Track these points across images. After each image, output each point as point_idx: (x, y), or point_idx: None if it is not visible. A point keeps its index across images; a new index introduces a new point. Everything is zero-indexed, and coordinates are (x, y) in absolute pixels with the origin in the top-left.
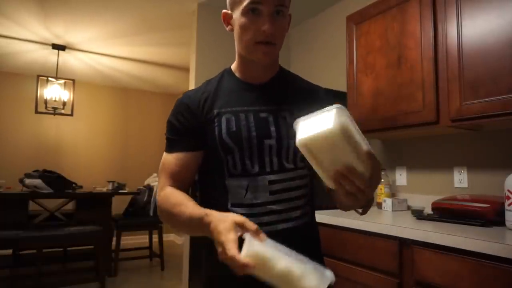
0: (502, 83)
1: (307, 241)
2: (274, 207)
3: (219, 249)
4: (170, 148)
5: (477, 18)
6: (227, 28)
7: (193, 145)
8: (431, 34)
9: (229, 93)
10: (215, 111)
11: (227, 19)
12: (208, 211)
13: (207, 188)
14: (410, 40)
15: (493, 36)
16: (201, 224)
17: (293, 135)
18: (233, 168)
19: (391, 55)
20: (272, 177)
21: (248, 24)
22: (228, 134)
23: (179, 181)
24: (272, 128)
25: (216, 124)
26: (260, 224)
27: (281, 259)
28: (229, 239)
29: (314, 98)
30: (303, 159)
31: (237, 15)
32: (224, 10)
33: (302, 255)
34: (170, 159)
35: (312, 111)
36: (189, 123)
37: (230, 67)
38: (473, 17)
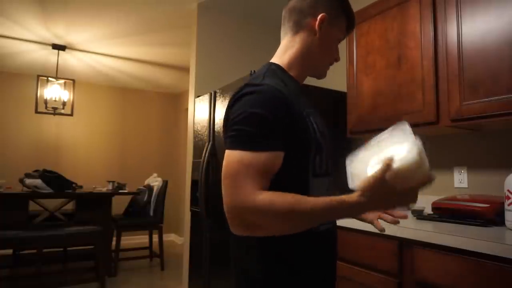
0: (502, 83)
1: None
2: None
3: (395, 182)
4: (262, 146)
5: (477, 18)
6: (317, 27)
7: (285, 143)
8: (431, 34)
9: (297, 92)
10: (304, 110)
11: (325, 22)
12: (340, 196)
13: (280, 189)
14: (410, 40)
15: (493, 36)
16: (346, 202)
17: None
18: (319, 167)
19: (391, 55)
20: (332, 176)
21: (335, 49)
22: (320, 134)
23: (269, 182)
24: (327, 132)
25: (309, 123)
26: (329, 222)
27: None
28: (391, 174)
29: None
30: None
31: (331, 33)
32: (324, 14)
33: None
34: (263, 158)
35: None
36: (285, 119)
37: (277, 63)
38: (473, 17)
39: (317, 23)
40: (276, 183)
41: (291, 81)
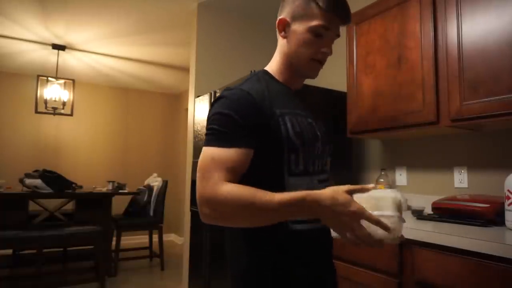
0: (502, 83)
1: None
2: None
3: (353, 216)
4: (227, 143)
5: (477, 18)
6: (280, 34)
7: (253, 142)
8: (431, 34)
9: (279, 95)
10: (278, 111)
11: (284, 26)
12: (306, 191)
13: (257, 186)
14: (410, 40)
15: (493, 36)
16: (304, 203)
17: (327, 141)
18: (295, 167)
19: (391, 55)
20: (320, 176)
21: (312, 41)
22: (294, 134)
23: (237, 177)
24: (318, 133)
25: (281, 123)
26: (315, 221)
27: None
28: (361, 208)
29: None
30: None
31: (300, 28)
32: (282, 17)
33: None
34: (228, 154)
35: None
36: (253, 119)
37: (266, 70)
38: (473, 17)
39: (277, 27)
40: (253, 181)
41: (277, 85)
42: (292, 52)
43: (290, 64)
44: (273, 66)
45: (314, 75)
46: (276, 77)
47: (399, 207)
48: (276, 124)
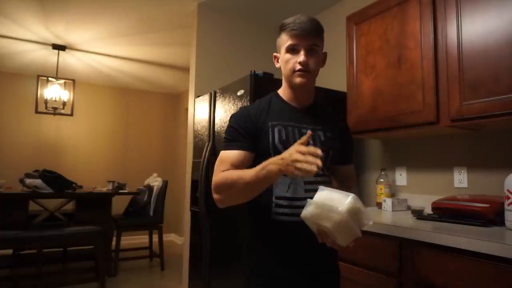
0: (502, 83)
1: None
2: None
3: (293, 156)
4: (232, 147)
5: (477, 18)
6: (277, 65)
7: (250, 147)
8: (431, 34)
9: (279, 111)
10: (269, 123)
11: (277, 58)
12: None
13: None
14: (410, 40)
15: (493, 36)
16: (266, 165)
17: (325, 148)
18: None
19: (391, 55)
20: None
21: (289, 58)
22: (279, 141)
23: None
24: (311, 142)
25: (270, 133)
26: (296, 215)
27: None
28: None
29: (336, 126)
30: (328, 169)
31: (281, 53)
32: (274, 53)
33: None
34: (232, 154)
35: (335, 134)
36: (249, 129)
37: (277, 91)
38: (473, 17)
39: (274, 60)
40: None
41: (280, 103)
42: (284, 73)
43: (287, 83)
44: (281, 89)
45: (300, 83)
46: (283, 97)
47: (352, 215)
48: (267, 133)
